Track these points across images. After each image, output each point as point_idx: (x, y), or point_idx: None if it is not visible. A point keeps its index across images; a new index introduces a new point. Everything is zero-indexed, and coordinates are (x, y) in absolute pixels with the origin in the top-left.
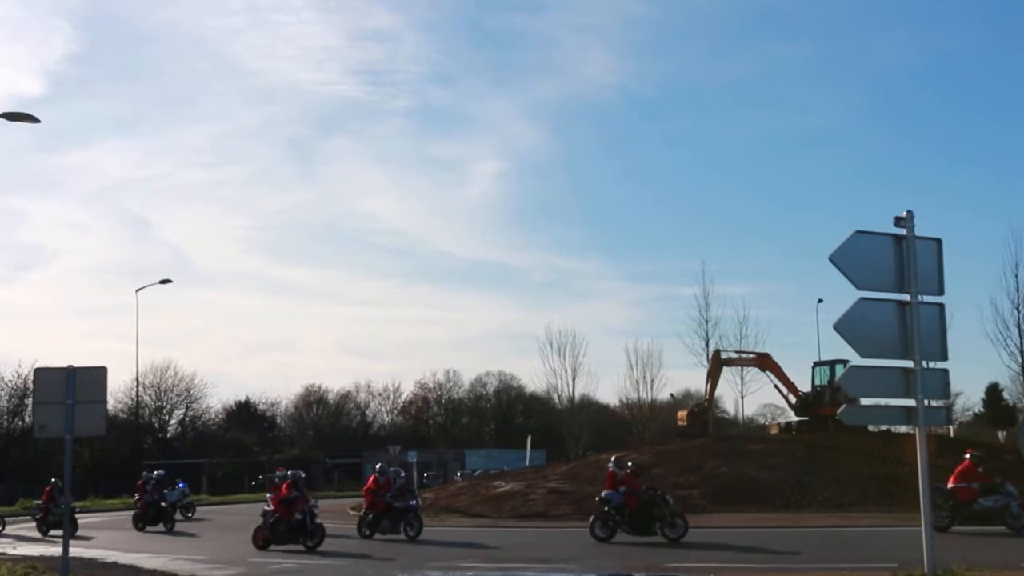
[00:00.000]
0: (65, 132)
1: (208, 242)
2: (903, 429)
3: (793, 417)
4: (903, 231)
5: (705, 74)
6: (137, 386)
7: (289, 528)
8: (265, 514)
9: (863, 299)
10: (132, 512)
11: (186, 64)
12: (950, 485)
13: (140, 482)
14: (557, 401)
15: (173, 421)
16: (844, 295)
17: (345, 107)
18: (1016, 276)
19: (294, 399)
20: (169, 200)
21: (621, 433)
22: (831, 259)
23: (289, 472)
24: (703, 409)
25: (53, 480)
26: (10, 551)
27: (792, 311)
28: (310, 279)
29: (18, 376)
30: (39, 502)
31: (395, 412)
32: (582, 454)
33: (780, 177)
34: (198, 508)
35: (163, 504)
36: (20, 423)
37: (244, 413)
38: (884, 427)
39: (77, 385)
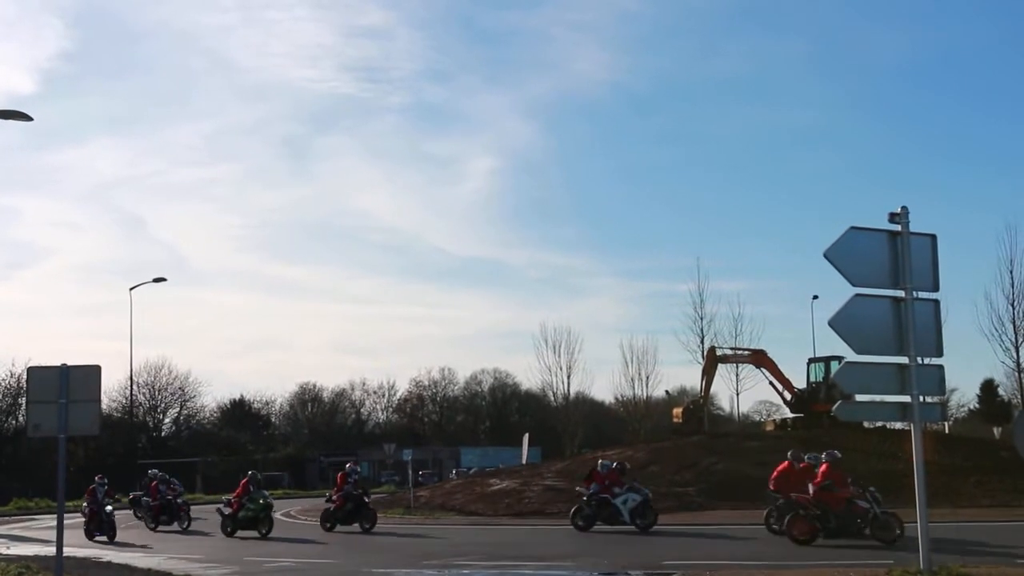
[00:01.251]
0: (57, 130)
1: (202, 240)
2: (898, 425)
3: (788, 414)
4: (898, 227)
5: (699, 70)
6: (131, 385)
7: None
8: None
9: (858, 295)
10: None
11: (179, 61)
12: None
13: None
14: (552, 398)
15: (167, 420)
16: (839, 291)
17: (339, 104)
18: (1011, 272)
19: (289, 397)
20: (162, 198)
21: (616, 430)
22: (826, 255)
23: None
24: (698, 406)
25: (251, 472)
26: (3, 551)
27: (787, 307)
28: (304, 277)
29: (11, 375)
30: (229, 496)
31: (390, 410)
32: (577, 452)
33: (774, 173)
34: (193, 507)
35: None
36: (14, 422)
37: (239, 411)
38: (880, 423)
39: (71, 384)
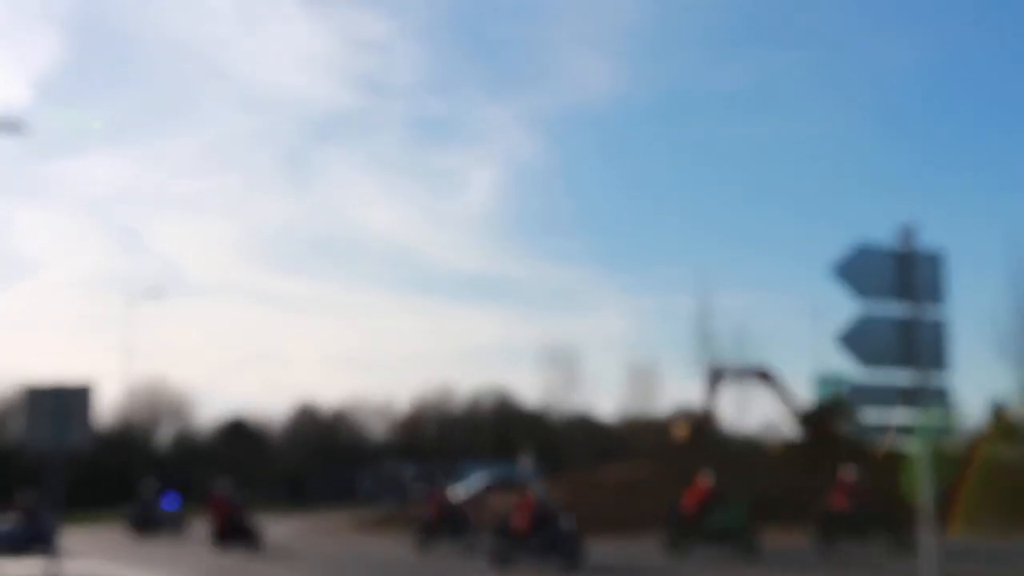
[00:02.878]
0: (54, 141)
1: (200, 253)
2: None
3: (793, 431)
4: (905, 243)
5: (703, 82)
6: (126, 400)
7: None
8: None
9: (865, 312)
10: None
11: (177, 72)
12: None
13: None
14: (554, 414)
15: (163, 435)
16: (846, 308)
17: (339, 116)
18: (1020, 287)
19: (287, 412)
20: (160, 210)
21: (619, 447)
22: (833, 272)
23: None
24: (701, 423)
25: (708, 474)
26: None
27: (792, 323)
28: (304, 290)
29: (6, 390)
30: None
31: (390, 426)
32: (580, 468)
33: (780, 186)
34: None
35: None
36: (7, 437)
37: (236, 426)
38: (886, 442)
39: (65, 400)
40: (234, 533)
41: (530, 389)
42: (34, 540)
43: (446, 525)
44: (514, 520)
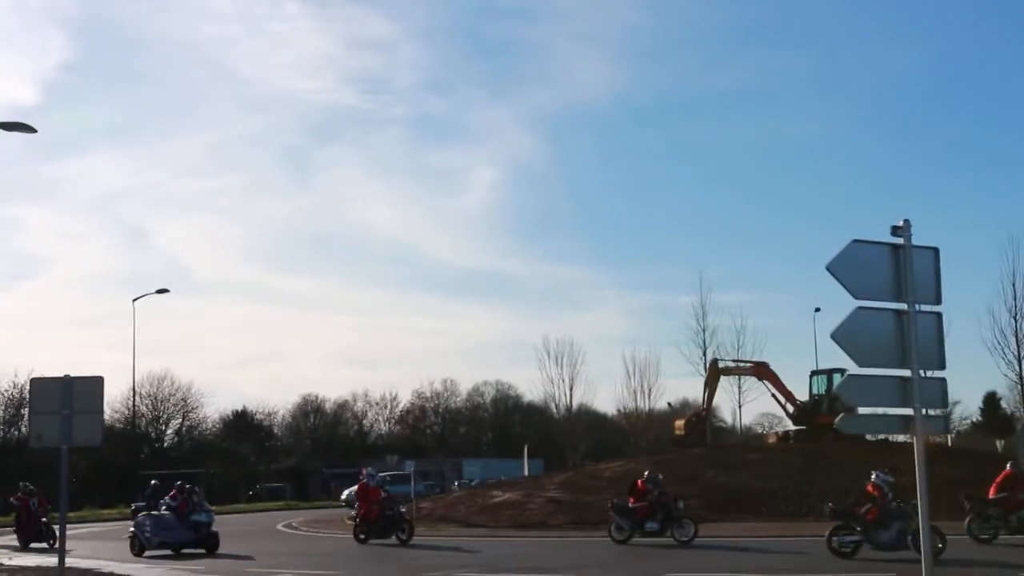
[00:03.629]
0: (60, 141)
1: (205, 251)
2: (901, 438)
3: (791, 426)
4: (900, 240)
5: (702, 83)
6: (134, 396)
7: None
8: None
9: (860, 308)
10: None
11: (181, 72)
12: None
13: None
14: (555, 410)
15: (170, 431)
16: (841, 304)
17: (341, 116)
18: (1014, 285)
19: (291, 408)
20: (165, 209)
21: (619, 442)
22: (828, 268)
23: None
24: (701, 418)
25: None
26: (5, 562)
27: (789, 320)
28: (306, 288)
29: (14, 386)
30: None
31: (392, 421)
32: (580, 464)
33: (777, 186)
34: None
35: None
36: (16, 433)
37: (241, 423)
38: (882, 436)
39: (74, 395)
40: (386, 525)
41: (531, 385)
42: (195, 536)
43: (657, 515)
44: (868, 513)
